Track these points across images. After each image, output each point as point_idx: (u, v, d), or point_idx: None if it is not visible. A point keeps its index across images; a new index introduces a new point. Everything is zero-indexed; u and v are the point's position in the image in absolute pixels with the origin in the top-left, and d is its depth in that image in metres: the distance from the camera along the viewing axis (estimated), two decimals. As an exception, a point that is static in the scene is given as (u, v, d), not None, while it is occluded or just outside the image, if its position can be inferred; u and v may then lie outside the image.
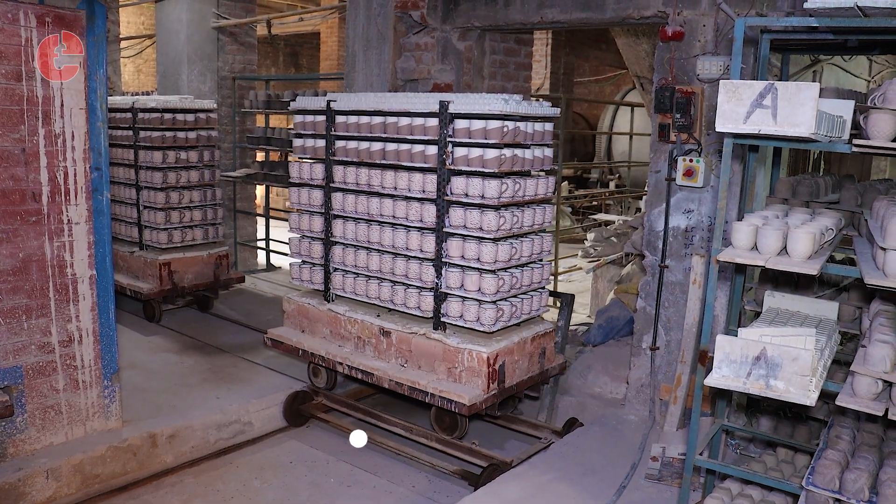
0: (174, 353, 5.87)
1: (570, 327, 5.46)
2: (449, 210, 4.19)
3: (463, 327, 4.31)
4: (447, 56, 5.54)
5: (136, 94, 9.29)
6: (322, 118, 4.78)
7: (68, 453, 3.99)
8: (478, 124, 4.01)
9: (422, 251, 4.33)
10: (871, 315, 3.01)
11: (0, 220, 3.75)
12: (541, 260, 4.54)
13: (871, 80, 6.62)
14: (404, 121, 4.29)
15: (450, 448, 4.36)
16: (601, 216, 12.03)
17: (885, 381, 2.67)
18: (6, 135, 3.73)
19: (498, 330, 4.22)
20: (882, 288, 2.64)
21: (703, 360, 3.18)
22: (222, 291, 7.43)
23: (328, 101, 4.72)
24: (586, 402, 5.05)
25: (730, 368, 2.75)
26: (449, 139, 4.12)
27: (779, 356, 2.64)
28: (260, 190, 9.81)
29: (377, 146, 4.49)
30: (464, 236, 4.17)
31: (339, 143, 4.72)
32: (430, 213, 4.25)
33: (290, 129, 7.64)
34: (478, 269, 4.13)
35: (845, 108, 3.01)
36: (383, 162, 4.47)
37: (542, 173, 4.46)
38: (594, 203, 12.93)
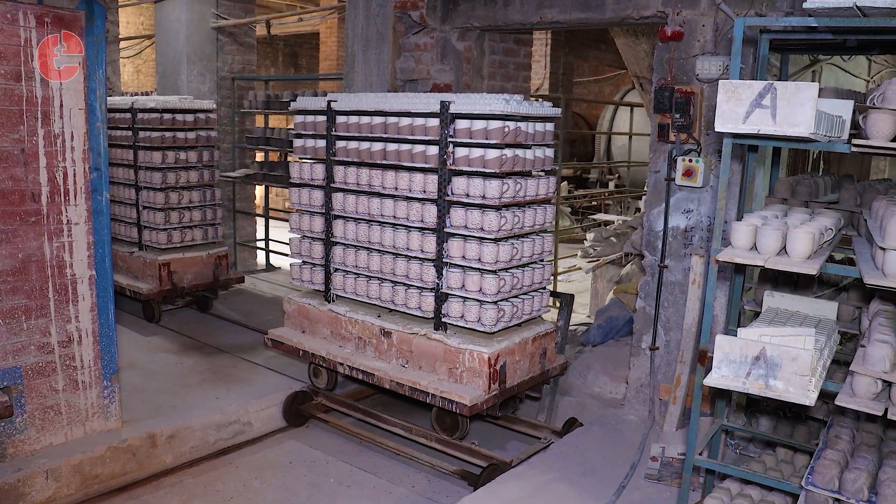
0: (174, 354, 5.87)
1: (570, 327, 5.46)
2: (450, 210, 4.19)
3: (464, 328, 4.31)
4: (446, 56, 5.54)
5: (136, 94, 9.29)
6: (322, 118, 4.78)
7: (68, 454, 3.99)
8: (479, 124, 4.01)
9: (423, 251, 4.33)
10: (871, 315, 3.01)
11: None
12: (542, 260, 4.54)
13: (870, 80, 6.63)
14: (405, 121, 4.30)
15: (449, 448, 4.36)
16: (600, 216, 12.04)
17: (884, 381, 2.68)
18: (5, 135, 3.73)
19: (499, 330, 4.22)
20: (881, 288, 2.65)
21: (703, 360, 3.18)
22: (222, 292, 7.44)
23: (329, 102, 4.72)
24: (586, 402, 5.05)
25: (729, 368, 2.75)
26: (450, 139, 4.13)
27: (778, 356, 2.64)
28: (259, 190, 9.80)
29: (378, 146, 4.49)
30: (465, 236, 4.17)
31: (340, 144, 4.72)
32: (430, 214, 4.26)
33: (289, 129, 7.65)
34: (479, 269, 4.13)
35: (844, 108, 3.01)
36: (384, 162, 4.47)
37: (543, 173, 4.46)
38: (594, 203, 12.94)
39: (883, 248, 2.61)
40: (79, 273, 4.09)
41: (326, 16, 11.20)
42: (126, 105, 6.80)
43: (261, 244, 9.31)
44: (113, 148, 6.81)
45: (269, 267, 9.26)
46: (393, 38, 5.68)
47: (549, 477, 3.96)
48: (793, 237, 2.78)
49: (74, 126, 3.99)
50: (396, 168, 4.44)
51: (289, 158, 7.96)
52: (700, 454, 3.35)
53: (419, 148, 4.28)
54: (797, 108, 2.62)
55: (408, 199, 4.39)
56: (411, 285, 4.45)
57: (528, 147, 4.19)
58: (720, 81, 2.79)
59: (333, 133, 4.73)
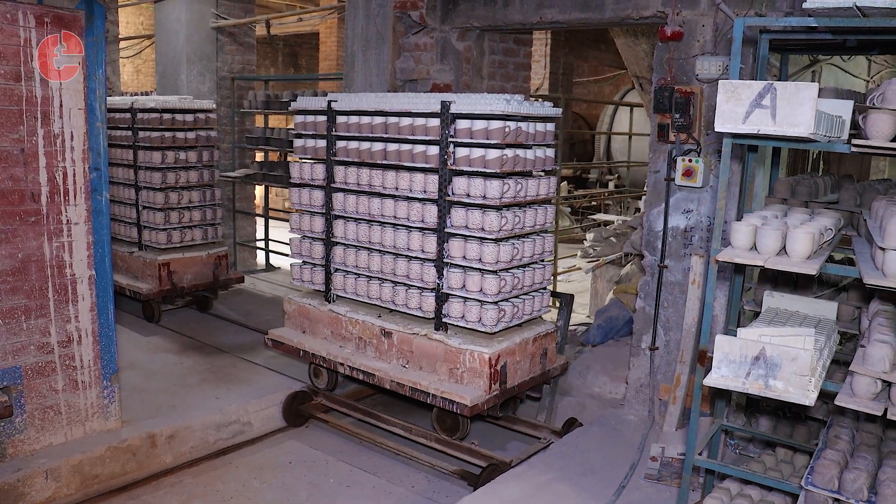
0: (173, 354, 5.87)
1: (570, 327, 5.46)
2: (450, 210, 4.19)
3: (464, 328, 4.31)
4: (446, 56, 5.54)
5: (136, 94, 9.29)
6: (323, 118, 4.78)
7: (67, 454, 3.99)
8: (479, 124, 4.01)
9: (423, 252, 4.33)
10: (870, 315, 3.01)
11: (-1, 220, 3.75)
12: (542, 260, 4.55)
13: (869, 80, 6.63)
14: (405, 121, 4.30)
15: (449, 448, 4.36)
16: (600, 216, 12.04)
17: (883, 381, 2.68)
18: (5, 135, 3.73)
19: (500, 331, 4.22)
20: (881, 288, 2.65)
21: (703, 360, 3.18)
22: (221, 292, 7.44)
23: (329, 102, 4.72)
24: (585, 402, 5.05)
25: (729, 368, 2.75)
26: (450, 139, 4.13)
27: (778, 356, 2.64)
28: (259, 190, 9.80)
29: (378, 146, 4.49)
30: (465, 237, 4.17)
31: (340, 144, 4.72)
32: (431, 214, 4.26)
33: (289, 129, 7.65)
34: (479, 269, 4.13)
35: (844, 108, 3.01)
36: (384, 162, 4.47)
37: (543, 173, 4.46)
38: (593, 203, 12.94)
39: (883, 249, 2.61)
40: (78, 273, 4.09)
41: (326, 16, 11.21)
42: (126, 105, 6.80)
43: (260, 244, 9.31)
44: (113, 148, 6.81)
45: (269, 267, 9.27)
46: (393, 38, 5.68)
47: (548, 477, 3.96)
48: (792, 237, 2.78)
49: (74, 126, 3.99)
50: (397, 168, 4.44)
51: (288, 158, 7.96)
52: (700, 454, 3.35)
53: (420, 148, 4.28)
54: (797, 109, 2.62)
55: (408, 199, 4.39)
56: (412, 285, 4.45)
57: (528, 147, 4.20)
58: (720, 81, 2.79)
59: (334, 133, 4.73)
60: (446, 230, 4.22)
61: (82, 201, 4.07)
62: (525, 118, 4.10)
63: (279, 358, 5.63)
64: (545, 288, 4.59)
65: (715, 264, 3.02)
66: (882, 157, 7.06)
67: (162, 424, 4.45)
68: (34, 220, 3.89)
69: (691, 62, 4.32)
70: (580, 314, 7.53)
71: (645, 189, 8.71)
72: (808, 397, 2.61)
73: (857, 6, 2.66)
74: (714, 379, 2.76)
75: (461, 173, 4.16)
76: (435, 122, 4.16)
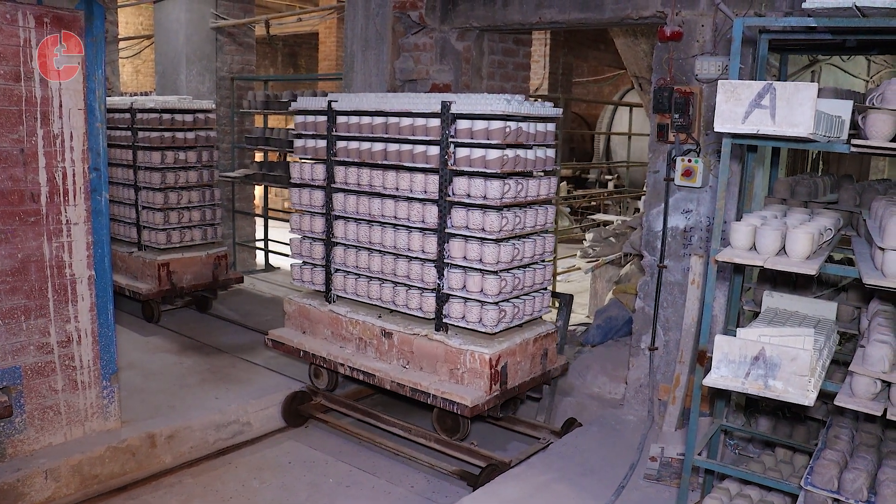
0: (173, 354, 5.87)
1: (569, 327, 5.46)
2: (451, 211, 4.19)
3: (465, 328, 4.31)
4: (445, 56, 5.54)
5: (135, 94, 9.28)
6: (323, 118, 4.78)
7: (67, 454, 3.99)
8: (480, 125, 4.01)
9: (423, 252, 4.33)
10: (870, 315, 3.02)
11: (-1, 220, 3.75)
12: (543, 261, 4.55)
13: (869, 80, 6.63)
14: (406, 121, 4.30)
15: (448, 448, 4.37)
16: (600, 216, 12.04)
17: (883, 381, 2.68)
18: (5, 135, 3.73)
19: (500, 331, 4.22)
20: (880, 288, 2.65)
21: (702, 360, 3.18)
22: (221, 292, 7.43)
23: (329, 102, 4.72)
24: (585, 402, 5.05)
25: (728, 368, 2.75)
26: (451, 139, 4.13)
27: (777, 356, 2.64)
28: (258, 190, 9.81)
29: (378, 147, 4.49)
30: (466, 237, 4.17)
31: (340, 144, 4.72)
32: (431, 214, 4.26)
33: (289, 129, 7.65)
34: (480, 269, 4.13)
35: (844, 109, 3.02)
36: (384, 162, 4.47)
37: (543, 174, 4.46)
38: (593, 203, 12.94)
39: (882, 249, 2.61)
40: (78, 273, 4.09)
41: (326, 16, 11.21)
42: (125, 105, 6.80)
43: (260, 244, 9.31)
44: (112, 148, 6.81)
45: (269, 267, 9.27)
46: (392, 38, 5.69)
47: (548, 477, 3.96)
48: (792, 237, 2.78)
49: (74, 126, 3.99)
50: (397, 168, 4.44)
51: (288, 158, 7.96)
52: (699, 454, 3.35)
53: (420, 148, 4.28)
54: (796, 109, 2.63)
55: (408, 199, 4.39)
56: (412, 286, 4.45)
57: (529, 147, 4.20)
58: (719, 81, 2.79)
59: (334, 133, 4.73)
60: (447, 230, 4.22)
61: (82, 201, 4.07)
62: (525, 118, 4.10)
63: (278, 358, 5.63)
64: (545, 288, 4.59)
65: (714, 264, 3.02)
66: (881, 157, 7.07)
67: (161, 424, 4.45)
68: (34, 221, 3.89)
69: (691, 62, 4.32)
70: (580, 314, 7.53)
71: (644, 189, 8.71)
72: (808, 397, 2.61)
73: (856, 6, 2.66)
74: (713, 379, 2.77)
75: (461, 173, 4.16)
76: (435, 122, 4.16)
